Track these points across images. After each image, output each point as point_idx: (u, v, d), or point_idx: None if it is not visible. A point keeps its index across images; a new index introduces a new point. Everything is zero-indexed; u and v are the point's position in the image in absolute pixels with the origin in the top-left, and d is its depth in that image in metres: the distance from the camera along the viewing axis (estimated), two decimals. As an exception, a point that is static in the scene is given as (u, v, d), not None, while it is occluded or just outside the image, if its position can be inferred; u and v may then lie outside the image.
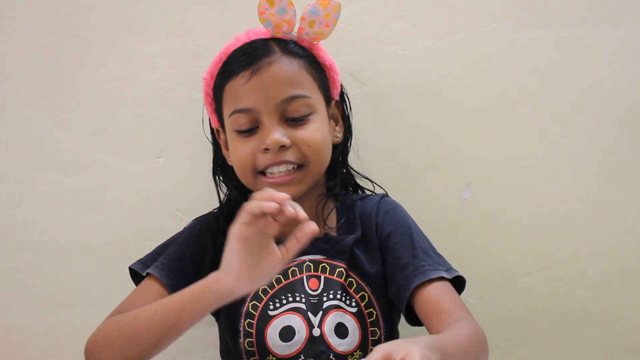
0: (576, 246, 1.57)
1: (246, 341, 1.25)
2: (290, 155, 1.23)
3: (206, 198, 1.53)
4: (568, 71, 1.54)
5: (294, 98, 1.23)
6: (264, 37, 1.27)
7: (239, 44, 1.27)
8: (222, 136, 1.34)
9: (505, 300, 1.53)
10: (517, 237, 1.57)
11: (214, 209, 1.40)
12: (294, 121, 1.24)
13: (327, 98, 1.31)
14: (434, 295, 1.19)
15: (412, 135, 1.56)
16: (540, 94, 1.54)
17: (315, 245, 1.28)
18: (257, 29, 1.28)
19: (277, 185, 1.22)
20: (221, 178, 1.40)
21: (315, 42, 1.30)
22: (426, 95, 1.55)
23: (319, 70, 1.30)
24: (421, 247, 1.27)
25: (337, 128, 1.35)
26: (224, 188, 1.41)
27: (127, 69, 1.55)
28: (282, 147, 1.22)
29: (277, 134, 1.21)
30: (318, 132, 1.25)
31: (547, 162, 1.55)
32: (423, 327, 1.24)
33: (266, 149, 1.22)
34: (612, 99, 1.54)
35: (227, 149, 1.33)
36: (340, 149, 1.38)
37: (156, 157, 1.56)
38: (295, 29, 1.28)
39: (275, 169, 1.24)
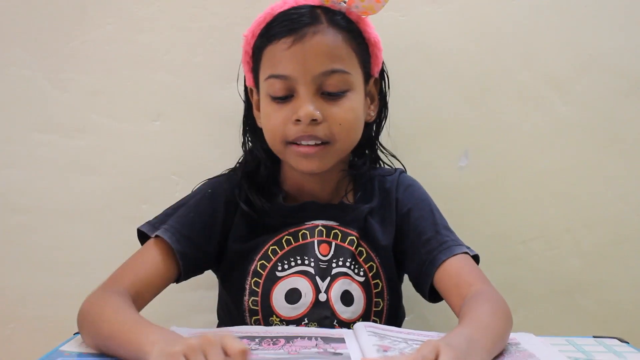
0: (571, 215, 1.58)
1: (251, 299, 1.24)
2: (319, 131, 1.20)
3: (202, 162, 1.54)
4: (567, 39, 1.54)
5: (333, 72, 1.19)
6: (311, 3, 1.22)
7: (286, 7, 1.22)
8: (255, 96, 1.31)
9: (500, 268, 1.54)
10: (513, 205, 1.58)
11: (228, 170, 1.36)
12: (330, 95, 1.20)
13: (367, 75, 1.27)
14: (454, 269, 1.19)
15: (409, 101, 1.56)
16: (539, 61, 1.54)
17: (329, 212, 1.28)
18: None
19: (304, 156, 1.21)
20: (249, 138, 1.36)
21: (363, 17, 1.25)
22: (424, 61, 1.55)
23: (363, 46, 1.25)
24: (442, 224, 1.27)
25: (372, 106, 1.32)
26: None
27: (124, 31, 1.53)
28: (314, 121, 1.19)
29: (311, 107, 1.18)
30: (351, 111, 1.22)
31: (544, 130, 1.56)
32: (434, 303, 1.26)
33: (298, 120, 1.19)
34: (611, 67, 1.54)
35: (258, 109, 1.30)
36: (373, 128, 1.36)
37: (153, 120, 1.55)
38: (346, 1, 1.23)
39: (303, 141, 1.21)
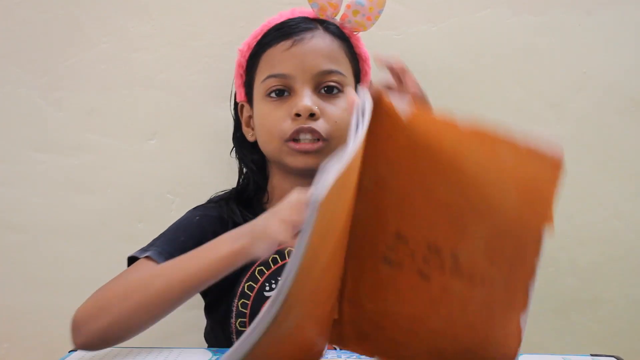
0: (566, 233, 1.57)
1: (238, 321, 1.24)
2: (318, 125, 1.23)
3: (198, 181, 1.54)
4: (562, 57, 1.54)
5: (331, 72, 1.25)
6: (308, 16, 1.29)
7: (282, 19, 1.29)
8: (245, 112, 1.34)
9: (495, 286, 1.53)
10: (508, 223, 1.57)
11: (215, 197, 1.35)
12: (327, 93, 1.25)
13: (357, 85, 1.30)
14: None
15: (405, 120, 1.56)
16: (534, 79, 1.55)
17: None
18: (301, 8, 1.31)
19: (302, 153, 1.23)
20: (239, 151, 1.37)
21: (355, 33, 1.32)
22: (419, 80, 1.54)
23: (354, 58, 1.32)
24: None
25: None
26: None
27: (120, 49, 1.54)
28: (312, 115, 1.22)
29: (309, 101, 1.22)
30: (346, 111, 1.22)
31: (539, 149, 1.56)
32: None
33: (297, 114, 1.22)
34: (606, 85, 1.54)
35: (248, 126, 1.34)
36: None
37: (148, 139, 1.55)
38: (339, 17, 1.30)
39: (302, 136, 1.23)
